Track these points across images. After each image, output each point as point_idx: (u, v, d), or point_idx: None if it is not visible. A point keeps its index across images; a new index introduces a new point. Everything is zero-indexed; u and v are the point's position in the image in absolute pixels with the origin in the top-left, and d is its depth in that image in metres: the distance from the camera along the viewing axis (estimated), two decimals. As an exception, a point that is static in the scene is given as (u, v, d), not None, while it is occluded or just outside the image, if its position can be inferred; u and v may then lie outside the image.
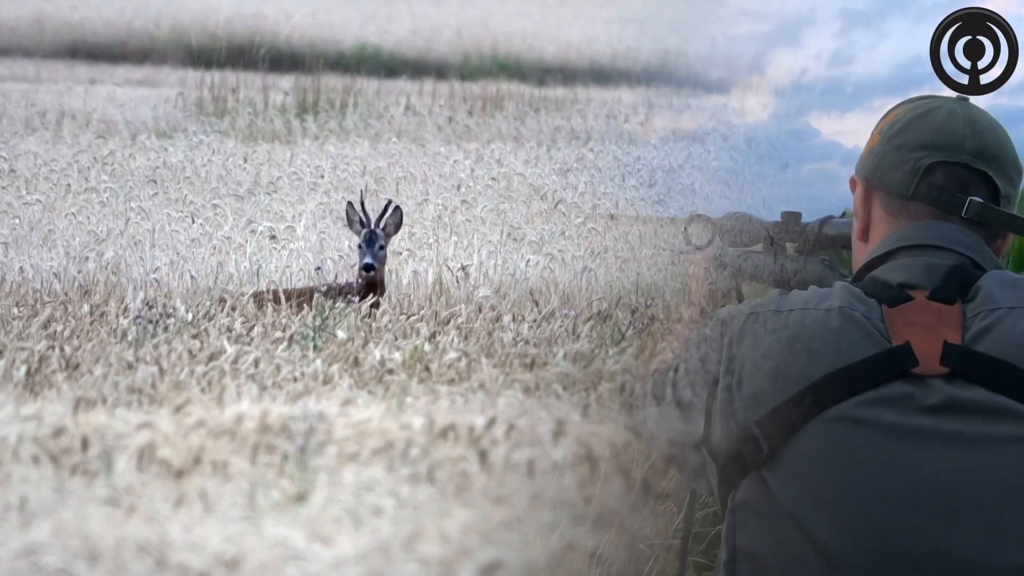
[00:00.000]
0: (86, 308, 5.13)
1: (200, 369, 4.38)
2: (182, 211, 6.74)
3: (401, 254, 6.04)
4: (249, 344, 4.69)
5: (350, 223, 5.45)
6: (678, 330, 2.34)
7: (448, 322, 5.20)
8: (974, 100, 2.03)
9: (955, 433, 1.65)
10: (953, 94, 2.00)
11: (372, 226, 5.37)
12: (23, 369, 4.37)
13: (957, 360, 1.68)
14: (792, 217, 2.33)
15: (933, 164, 1.82)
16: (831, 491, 1.66)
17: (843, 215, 2.42)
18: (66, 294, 5.62)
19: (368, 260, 5.30)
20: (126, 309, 5.14)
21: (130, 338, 4.73)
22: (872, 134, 1.92)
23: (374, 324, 5.07)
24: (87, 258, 5.96)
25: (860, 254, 1.95)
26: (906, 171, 1.83)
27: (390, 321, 5.12)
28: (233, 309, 5.12)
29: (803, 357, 1.71)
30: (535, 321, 5.25)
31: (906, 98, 1.96)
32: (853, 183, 1.94)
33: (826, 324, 1.73)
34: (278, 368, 4.41)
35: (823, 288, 1.83)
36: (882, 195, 1.87)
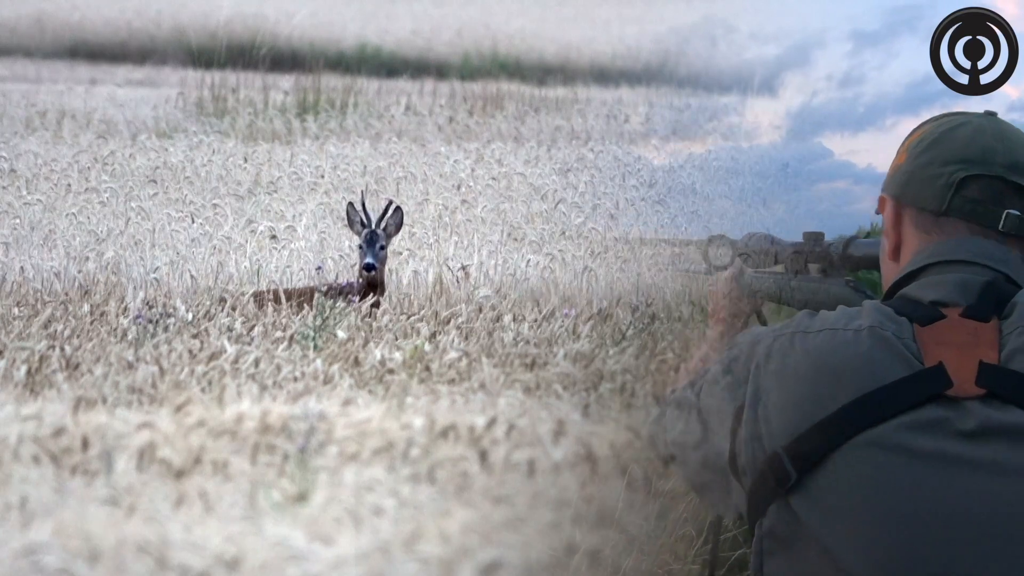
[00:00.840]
0: (86, 308, 5.14)
1: (200, 369, 4.39)
2: (182, 211, 6.76)
3: (401, 254, 6.05)
4: (249, 344, 4.70)
5: (351, 223, 5.47)
6: (700, 350, 2.28)
7: (448, 322, 5.20)
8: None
9: (991, 461, 1.59)
10: (979, 109, 1.91)
11: (373, 226, 5.39)
12: (23, 369, 4.37)
13: (993, 380, 1.61)
14: (814, 237, 2.28)
15: (967, 178, 1.75)
16: (862, 519, 1.60)
17: (868, 235, 2.40)
18: (66, 294, 5.63)
19: (369, 260, 5.31)
20: (126, 309, 5.16)
21: (130, 338, 4.74)
22: (898, 152, 1.85)
23: (374, 324, 5.08)
24: (87, 258, 5.97)
25: (891, 274, 1.88)
26: (939, 186, 1.76)
27: (390, 321, 5.13)
28: (233, 309, 5.13)
29: (831, 380, 1.65)
30: (535, 321, 5.25)
31: (923, 116, 1.89)
32: (882, 203, 1.86)
33: (855, 345, 1.67)
34: (278, 368, 4.42)
35: (851, 308, 1.77)
36: (913, 212, 1.80)
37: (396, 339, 4.89)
